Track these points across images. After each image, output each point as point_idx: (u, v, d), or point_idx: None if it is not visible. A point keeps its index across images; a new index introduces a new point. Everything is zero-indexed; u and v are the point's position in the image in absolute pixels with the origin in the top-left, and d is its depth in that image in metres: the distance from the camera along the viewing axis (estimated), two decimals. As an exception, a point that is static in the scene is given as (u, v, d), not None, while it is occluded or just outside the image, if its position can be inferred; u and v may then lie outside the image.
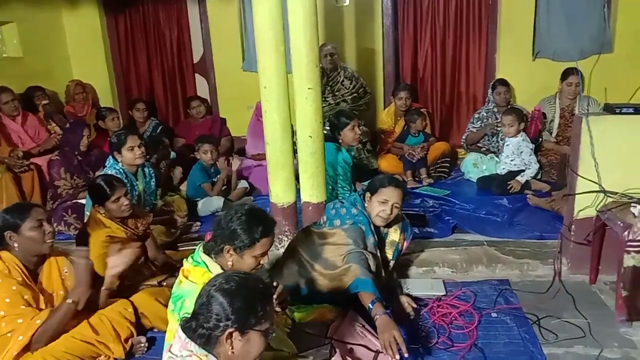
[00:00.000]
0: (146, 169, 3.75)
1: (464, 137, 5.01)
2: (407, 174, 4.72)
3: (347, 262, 2.46)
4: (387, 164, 4.87)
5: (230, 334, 1.43)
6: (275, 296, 1.96)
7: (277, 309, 2.01)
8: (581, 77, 4.12)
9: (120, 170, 3.44)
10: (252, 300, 1.46)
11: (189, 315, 1.51)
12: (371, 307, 2.19)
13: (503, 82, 4.82)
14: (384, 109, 5.42)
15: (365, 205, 2.70)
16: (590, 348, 2.35)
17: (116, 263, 2.46)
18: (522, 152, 4.32)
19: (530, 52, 5.20)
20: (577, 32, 5.03)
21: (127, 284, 2.70)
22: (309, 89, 3.02)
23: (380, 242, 2.75)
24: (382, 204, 2.61)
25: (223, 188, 4.32)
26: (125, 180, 3.20)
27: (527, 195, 4.08)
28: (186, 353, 1.44)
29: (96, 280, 2.41)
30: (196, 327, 1.45)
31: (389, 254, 2.81)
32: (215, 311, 1.43)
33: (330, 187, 3.46)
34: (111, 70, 5.97)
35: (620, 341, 2.39)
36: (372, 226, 2.66)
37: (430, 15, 5.41)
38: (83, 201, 3.76)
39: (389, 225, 2.77)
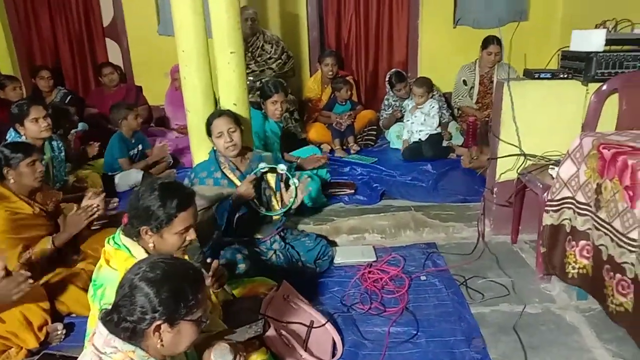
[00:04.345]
0: (54, 142, 3.45)
1: (380, 122, 5.00)
2: (335, 143, 4.69)
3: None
4: (316, 132, 4.80)
5: (159, 327, 1.29)
6: (211, 273, 1.84)
7: (215, 286, 1.89)
8: (501, 46, 4.24)
9: (24, 144, 3.13)
10: (181, 289, 1.31)
11: (110, 307, 1.34)
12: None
13: (400, 79, 4.78)
14: (310, 76, 5.32)
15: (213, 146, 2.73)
16: (514, 305, 2.44)
17: None
18: (433, 114, 4.43)
19: (452, 20, 5.28)
20: (495, 1, 5.14)
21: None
22: (231, 53, 2.85)
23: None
24: (220, 137, 2.65)
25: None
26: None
27: (462, 158, 4.20)
28: (110, 350, 1.29)
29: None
30: (119, 320, 1.29)
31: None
32: (140, 303, 1.27)
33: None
34: (8, 34, 5.36)
35: (541, 297, 2.51)
36: (225, 164, 2.70)
37: (353, -20, 5.31)
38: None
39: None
